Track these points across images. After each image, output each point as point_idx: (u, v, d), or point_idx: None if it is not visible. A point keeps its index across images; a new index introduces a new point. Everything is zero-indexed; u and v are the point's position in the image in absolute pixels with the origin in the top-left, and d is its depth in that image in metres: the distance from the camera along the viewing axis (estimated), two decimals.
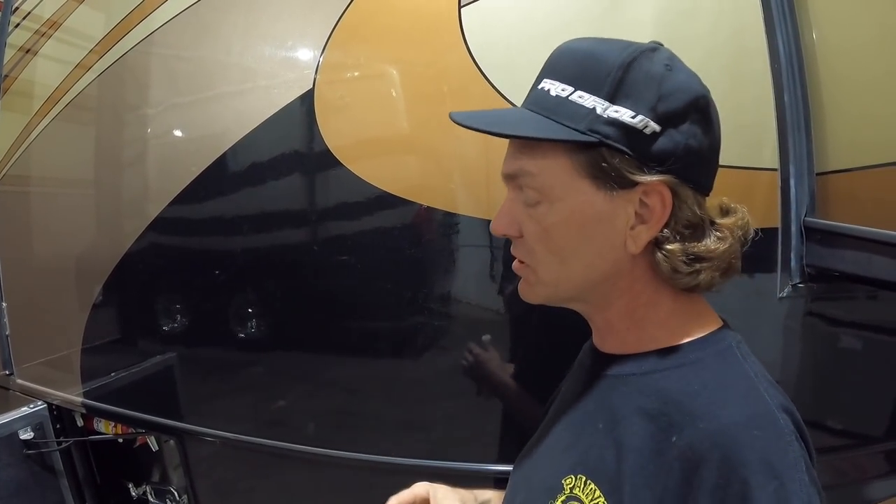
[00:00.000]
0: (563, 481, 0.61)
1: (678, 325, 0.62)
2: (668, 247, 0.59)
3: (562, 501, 0.60)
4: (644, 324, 0.63)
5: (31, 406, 1.52)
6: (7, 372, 1.58)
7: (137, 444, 1.56)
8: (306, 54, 1.09)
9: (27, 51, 1.55)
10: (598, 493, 0.57)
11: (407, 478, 1.16)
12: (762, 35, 1.08)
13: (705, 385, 0.57)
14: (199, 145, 1.22)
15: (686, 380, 0.58)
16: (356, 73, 1.07)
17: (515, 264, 0.66)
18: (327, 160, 1.05)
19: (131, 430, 1.52)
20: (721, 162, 1.02)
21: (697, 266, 0.60)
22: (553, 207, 0.60)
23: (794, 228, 1.07)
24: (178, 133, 1.28)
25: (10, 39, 1.56)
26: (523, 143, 0.61)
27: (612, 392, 0.63)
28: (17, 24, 1.56)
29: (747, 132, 1.09)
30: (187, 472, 1.40)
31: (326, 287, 1.13)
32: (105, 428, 1.55)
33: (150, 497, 1.62)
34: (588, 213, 0.59)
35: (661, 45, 0.62)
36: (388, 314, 1.10)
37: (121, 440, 1.57)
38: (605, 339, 0.67)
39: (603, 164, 0.58)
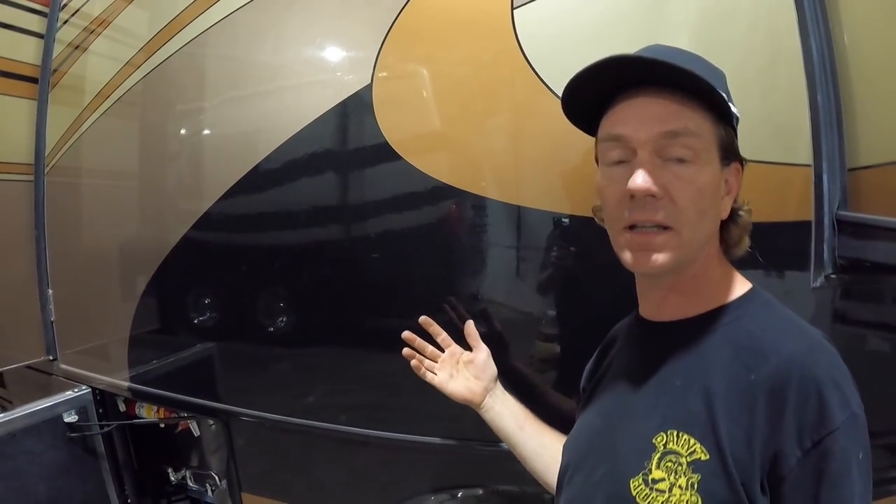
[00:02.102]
0: (653, 441, 0.66)
1: (727, 285, 0.73)
2: (742, 214, 0.73)
3: (658, 458, 0.65)
4: (704, 286, 0.73)
5: (76, 390, 1.57)
6: (51, 357, 1.63)
7: (179, 429, 1.60)
8: (364, 52, 1.14)
9: (76, 47, 1.59)
10: (692, 440, 0.63)
11: (442, 457, 1.21)
12: (797, 37, 1.14)
13: (764, 329, 0.67)
14: (252, 140, 1.26)
15: (747, 328, 0.68)
16: (412, 70, 1.11)
17: (651, 234, 0.69)
18: (385, 152, 1.10)
19: (174, 414, 1.57)
20: (759, 158, 1.08)
21: (744, 236, 0.74)
22: (703, 169, 0.68)
23: (826, 221, 1.12)
24: (230, 129, 1.33)
25: (58, 35, 1.60)
26: (686, 105, 0.68)
27: (684, 352, 0.70)
28: (66, 21, 1.60)
29: (783, 130, 1.13)
30: (231, 454, 1.44)
31: (383, 277, 1.18)
32: (147, 413, 1.59)
33: (189, 482, 1.66)
34: (714, 178, 0.69)
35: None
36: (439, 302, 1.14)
37: (162, 425, 1.61)
38: (662, 308, 0.76)
39: (727, 137, 0.70)
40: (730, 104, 0.69)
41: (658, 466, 0.64)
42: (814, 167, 1.12)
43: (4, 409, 1.89)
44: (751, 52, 1.13)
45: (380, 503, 1.31)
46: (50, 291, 1.62)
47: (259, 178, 1.24)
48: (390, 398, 1.26)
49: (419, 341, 1.06)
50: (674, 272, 0.72)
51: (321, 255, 1.24)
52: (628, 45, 1.14)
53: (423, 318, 1.07)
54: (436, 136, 1.10)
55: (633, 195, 0.66)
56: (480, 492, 1.22)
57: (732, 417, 0.62)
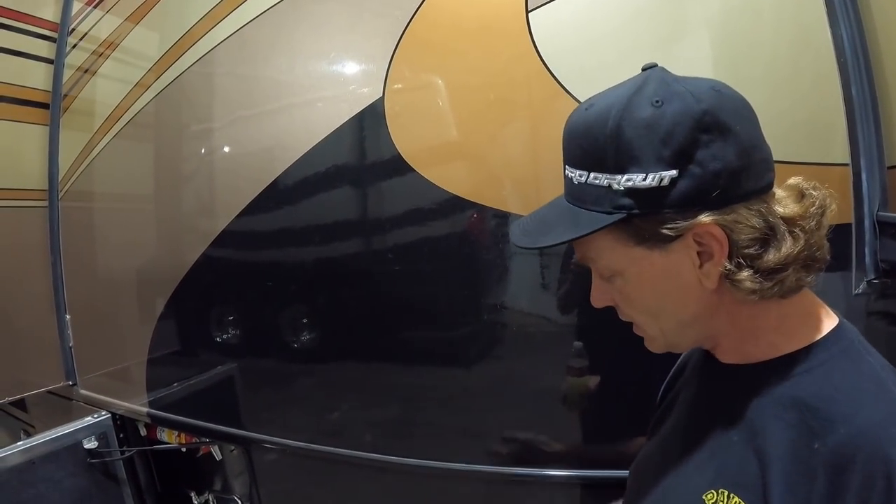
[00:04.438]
0: (703, 497, 0.61)
1: (793, 327, 0.62)
2: (737, 277, 0.58)
3: None
4: (758, 333, 0.63)
5: (95, 416, 1.56)
6: (70, 382, 1.62)
7: (201, 453, 1.58)
8: (374, 64, 1.11)
9: (85, 70, 1.59)
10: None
11: (464, 483, 1.18)
12: (826, 30, 1.08)
13: (837, 388, 0.58)
14: (267, 157, 1.24)
15: (818, 385, 0.58)
16: (424, 81, 1.08)
17: (635, 326, 0.68)
18: (398, 165, 1.06)
19: (195, 439, 1.55)
20: (790, 158, 1.03)
21: (778, 277, 0.58)
22: (624, 278, 0.62)
23: (867, 224, 1.06)
24: (244, 147, 1.30)
25: (67, 59, 1.60)
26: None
27: (744, 404, 0.62)
28: (74, 45, 1.60)
29: (816, 128, 1.08)
30: (253, 480, 1.42)
31: (399, 293, 1.15)
32: (168, 437, 1.57)
33: None
34: (653, 272, 0.61)
35: (654, 65, 0.61)
36: (463, 319, 1.11)
37: (184, 449, 1.60)
38: (726, 353, 0.67)
39: (642, 231, 0.59)
40: (642, 183, 0.56)
41: None
42: (851, 166, 1.06)
43: (28, 434, 1.90)
44: (777, 48, 1.07)
45: None
46: (67, 317, 1.61)
47: (275, 196, 1.22)
48: (413, 419, 1.23)
49: None
50: (706, 338, 0.66)
51: (340, 271, 1.21)
52: (646, 42, 1.10)
53: None
54: (451, 147, 1.06)
55: None
56: None
57: (789, 486, 0.56)
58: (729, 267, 0.58)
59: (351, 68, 1.15)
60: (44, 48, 1.59)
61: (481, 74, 1.05)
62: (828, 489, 0.53)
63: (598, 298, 0.66)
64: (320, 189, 1.17)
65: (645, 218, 0.58)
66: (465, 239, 1.08)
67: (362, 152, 1.14)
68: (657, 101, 0.56)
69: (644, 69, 0.62)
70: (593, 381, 1.08)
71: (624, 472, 0.80)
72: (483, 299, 1.12)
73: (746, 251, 0.58)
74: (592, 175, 0.59)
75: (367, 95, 1.10)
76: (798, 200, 0.60)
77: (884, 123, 1.08)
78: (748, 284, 0.57)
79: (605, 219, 0.58)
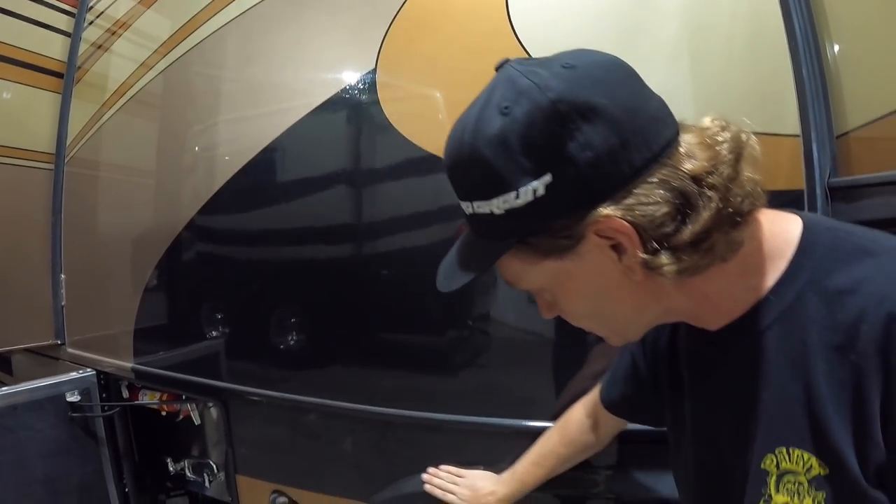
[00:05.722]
0: (763, 466, 0.56)
1: (761, 262, 0.55)
2: (656, 264, 0.51)
3: (775, 481, 0.55)
4: (724, 292, 0.57)
5: (80, 371, 1.59)
6: (59, 341, 1.66)
7: (181, 416, 1.61)
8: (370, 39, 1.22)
9: (99, 46, 1.70)
10: (805, 455, 0.53)
11: (442, 433, 1.20)
12: (779, 15, 1.18)
13: (839, 288, 0.52)
14: (255, 129, 1.34)
15: (816, 306, 0.53)
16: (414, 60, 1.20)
17: None
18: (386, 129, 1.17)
19: (175, 404, 1.58)
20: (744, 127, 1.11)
21: (702, 247, 0.51)
22: (553, 294, 0.59)
23: (818, 191, 1.13)
24: (225, 127, 1.41)
25: (84, 34, 1.71)
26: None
27: (758, 360, 0.56)
28: (91, 22, 1.71)
29: (768, 101, 1.17)
30: (229, 437, 1.44)
31: (384, 251, 1.23)
32: (150, 399, 1.61)
33: (187, 472, 1.66)
34: (574, 280, 0.55)
35: (504, 62, 0.55)
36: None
37: (164, 413, 1.63)
38: (705, 321, 0.60)
39: (541, 247, 0.54)
40: (516, 202, 0.51)
41: (778, 490, 0.54)
42: (803, 140, 1.14)
43: None
44: (734, 35, 1.17)
45: (377, 482, 1.29)
46: (62, 276, 1.66)
47: (260, 165, 1.31)
48: (395, 374, 1.27)
49: None
50: (675, 315, 0.61)
51: (325, 236, 1.28)
52: (618, 29, 1.21)
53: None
54: (437, 122, 1.16)
55: None
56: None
57: (843, 415, 0.50)
58: (644, 256, 0.51)
59: (344, 48, 1.27)
60: (63, 21, 1.70)
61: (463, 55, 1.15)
62: (880, 383, 0.48)
63: (543, 311, 0.62)
64: (307, 159, 1.27)
65: (536, 235, 0.53)
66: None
67: (354, 122, 1.25)
68: (505, 108, 0.50)
69: (497, 69, 0.55)
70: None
71: None
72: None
73: (660, 231, 0.50)
74: (475, 204, 0.53)
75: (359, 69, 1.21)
76: (704, 148, 0.52)
77: (832, 97, 1.17)
78: (671, 268, 0.51)
79: (499, 248, 0.54)
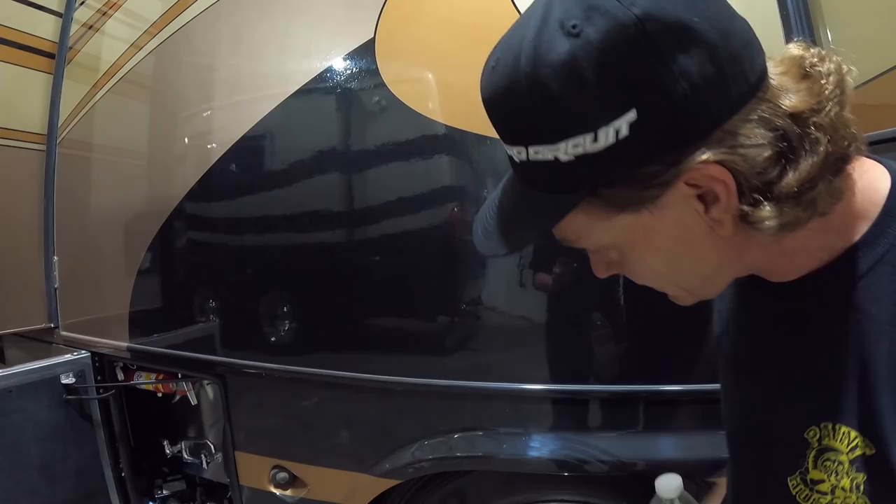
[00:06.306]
0: (805, 436, 0.52)
1: (847, 220, 0.49)
2: (757, 216, 0.44)
3: (814, 456, 0.51)
4: (805, 248, 0.50)
5: (75, 354, 1.57)
6: (52, 325, 1.64)
7: (177, 397, 1.60)
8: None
9: (90, 27, 1.68)
10: (852, 433, 0.49)
11: (440, 399, 1.21)
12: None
13: None
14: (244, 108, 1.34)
15: (891, 279, 0.47)
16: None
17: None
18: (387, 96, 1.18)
19: (171, 385, 1.57)
20: None
21: (807, 198, 0.44)
22: (619, 250, 0.51)
23: None
24: (214, 105, 1.42)
25: (76, 15, 1.69)
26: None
27: (817, 322, 0.52)
28: (83, 2, 1.70)
29: None
30: (227, 413, 1.43)
31: (374, 227, 1.24)
32: (146, 379, 1.60)
33: (184, 454, 1.65)
34: (650, 237, 0.48)
35: None
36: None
37: (160, 394, 1.61)
38: (774, 275, 0.54)
39: (618, 199, 0.46)
40: (593, 147, 0.42)
41: (815, 466, 0.51)
42: None
43: None
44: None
45: (378, 453, 1.29)
46: (55, 258, 1.65)
47: (252, 141, 1.32)
48: (385, 343, 1.27)
49: None
50: (753, 269, 0.54)
51: (322, 203, 1.28)
52: None
53: None
54: (438, 84, 1.18)
55: None
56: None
57: (892, 394, 0.46)
58: (744, 208, 0.44)
59: (341, 18, 1.28)
60: (54, 2, 1.69)
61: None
62: None
63: (600, 270, 0.55)
64: (298, 134, 1.28)
65: (615, 184, 0.45)
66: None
67: (351, 87, 1.25)
68: (573, 27, 0.41)
69: None
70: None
71: None
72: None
73: (762, 179, 0.44)
74: (532, 149, 0.44)
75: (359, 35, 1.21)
76: (801, 80, 0.45)
77: None
78: (772, 223, 0.44)
79: (566, 202, 0.46)
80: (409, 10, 1.23)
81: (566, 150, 0.43)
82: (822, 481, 0.51)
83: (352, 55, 1.25)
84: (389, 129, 1.22)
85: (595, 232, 0.49)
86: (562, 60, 0.41)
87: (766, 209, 0.44)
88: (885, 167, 0.50)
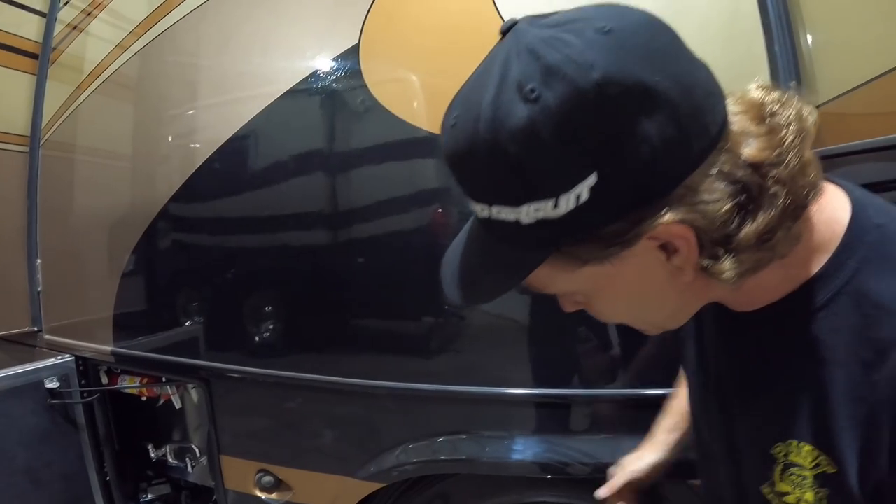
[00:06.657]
0: (772, 452, 0.53)
1: (806, 255, 0.49)
2: (717, 269, 0.45)
3: (780, 470, 0.53)
4: (765, 283, 0.50)
5: (59, 358, 1.56)
6: (35, 328, 1.63)
7: (161, 401, 1.60)
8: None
9: (74, 27, 1.67)
10: (815, 452, 0.50)
11: (420, 403, 1.21)
12: None
13: (878, 307, 0.46)
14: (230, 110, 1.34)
15: (849, 312, 0.48)
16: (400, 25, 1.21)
17: None
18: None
19: (156, 388, 1.57)
20: None
21: (767, 246, 0.45)
22: (588, 297, 0.52)
23: None
24: (199, 107, 1.42)
25: (60, 15, 1.68)
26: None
27: (780, 349, 0.53)
28: (67, 2, 1.68)
29: (743, 80, 1.20)
30: (212, 417, 1.43)
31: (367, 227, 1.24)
32: (130, 382, 1.59)
33: (169, 458, 1.64)
34: (614, 284, 0.48)
35: (512, 24, 0.44)
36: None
37: (144, 398, 1.61)
38: (737, 305, 0.56)
39: (580, 256, 0.45)
40: (554, 212, 0.42)
41: (782, 479, 0.53)
42: None
43: None
44: (710, 17, 1.20)
45: (362, 456, 1.29)
46: (38, 261, 1.64)
47: (238, 143, 1.32)
48: (377, 347, 1.27)
49: None
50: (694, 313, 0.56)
51: (307, 205, 1.28)
52: None
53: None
54: (421, 89, 1.18)
55: None
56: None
57: (854, 430, 0.47)
58: (704, 262, 0.45)
59: (328, 18, 1.27)
60: (38, 2, 1.67)
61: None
62: (890, 423, 0.45)
63: (568, 307, 0.55)
64: (285, 137, 1.28)
65: (578, 243, 0.44)
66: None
67: (334, 93, 1.25)
68: (531, 92, 0.40)
69: (503, 32, 0.44)
70: None
71: None
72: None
73: (721, 232, 0.44)
74: (494, 209, 0.44)
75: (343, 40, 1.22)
76: (760, 123, 0.45)
77: (803, 73, 1.20)
78: (731, 273, 0.45)
79: (531, 259, 0.46)
80: (394, 13, 1.23)
81: (528, 213, 0.42)
82: (788, 493, 0.52)
83: (337, 58, 1.25)
84: (374, 133, 1.22)
85: (559, 282, 0.49)
86: (520, 127, 0.40)
87: (726, 262, 0.45)
88: (847, 193, 0.51)
